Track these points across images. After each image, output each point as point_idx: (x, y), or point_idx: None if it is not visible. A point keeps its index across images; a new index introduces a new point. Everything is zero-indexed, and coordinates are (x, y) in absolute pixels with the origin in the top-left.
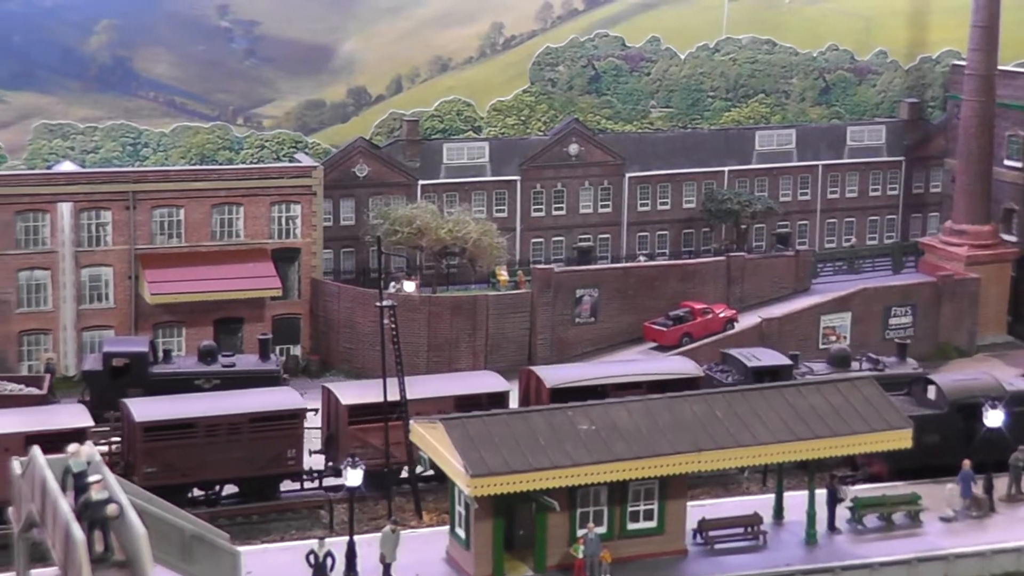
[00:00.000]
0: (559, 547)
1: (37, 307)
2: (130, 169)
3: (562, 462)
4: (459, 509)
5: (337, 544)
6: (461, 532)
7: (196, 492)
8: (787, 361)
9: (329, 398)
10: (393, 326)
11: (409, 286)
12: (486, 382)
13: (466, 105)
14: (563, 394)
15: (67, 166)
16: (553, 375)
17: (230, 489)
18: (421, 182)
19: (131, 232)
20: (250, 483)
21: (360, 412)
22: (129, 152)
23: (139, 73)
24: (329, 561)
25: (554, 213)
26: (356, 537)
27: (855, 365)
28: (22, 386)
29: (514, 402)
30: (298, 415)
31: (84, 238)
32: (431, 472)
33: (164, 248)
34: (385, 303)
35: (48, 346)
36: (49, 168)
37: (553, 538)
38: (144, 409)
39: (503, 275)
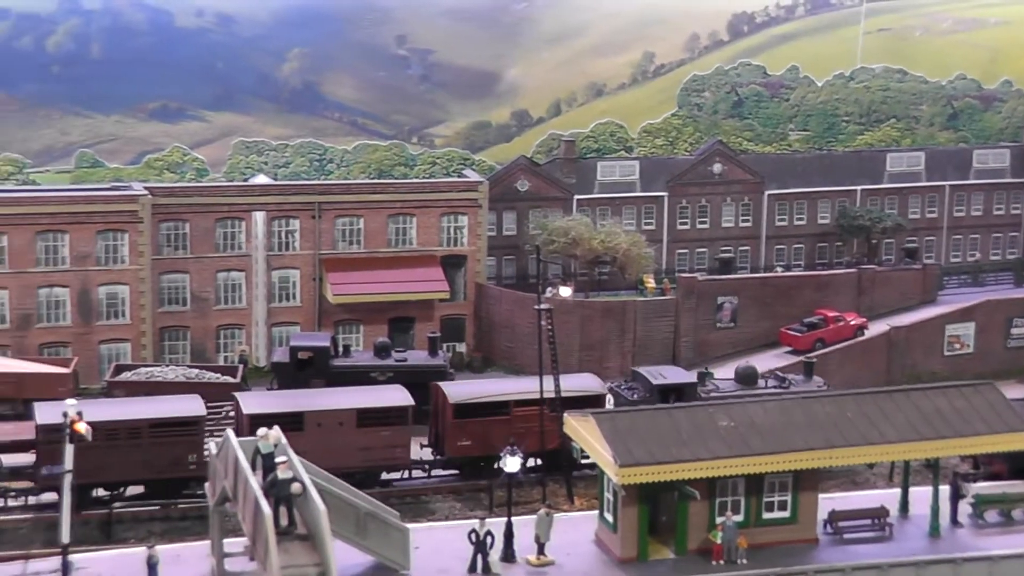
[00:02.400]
0: (699, 533)
1: (233, 304)
2: (316, 182)
3: (703, 455)
4: (607, 496)
5: (496, 524)
6: (609, 516)
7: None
8: (692, 379)
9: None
10: (549, 327)
11: (565, 291)
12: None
13: (619, 127)
14: (465, 409)
15: (261, 179)
16: (457, 391)
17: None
18: (576, 197)
19: (316, 239)
20: (153, 484)
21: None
22: (316, 167)
23: (325, 96)
24: (489, 540)
25: (698, 226)
26: (513, 519)
27: (761, 383)
28: (218, 375)
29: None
30: (197, 422)
31: (275, 243)
32: (584, 460)
33: (345, 253)
34: (543, 306)
35: (242, 339)
36: (245, 181)
37: (693, 524)
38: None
39: (650, 282)
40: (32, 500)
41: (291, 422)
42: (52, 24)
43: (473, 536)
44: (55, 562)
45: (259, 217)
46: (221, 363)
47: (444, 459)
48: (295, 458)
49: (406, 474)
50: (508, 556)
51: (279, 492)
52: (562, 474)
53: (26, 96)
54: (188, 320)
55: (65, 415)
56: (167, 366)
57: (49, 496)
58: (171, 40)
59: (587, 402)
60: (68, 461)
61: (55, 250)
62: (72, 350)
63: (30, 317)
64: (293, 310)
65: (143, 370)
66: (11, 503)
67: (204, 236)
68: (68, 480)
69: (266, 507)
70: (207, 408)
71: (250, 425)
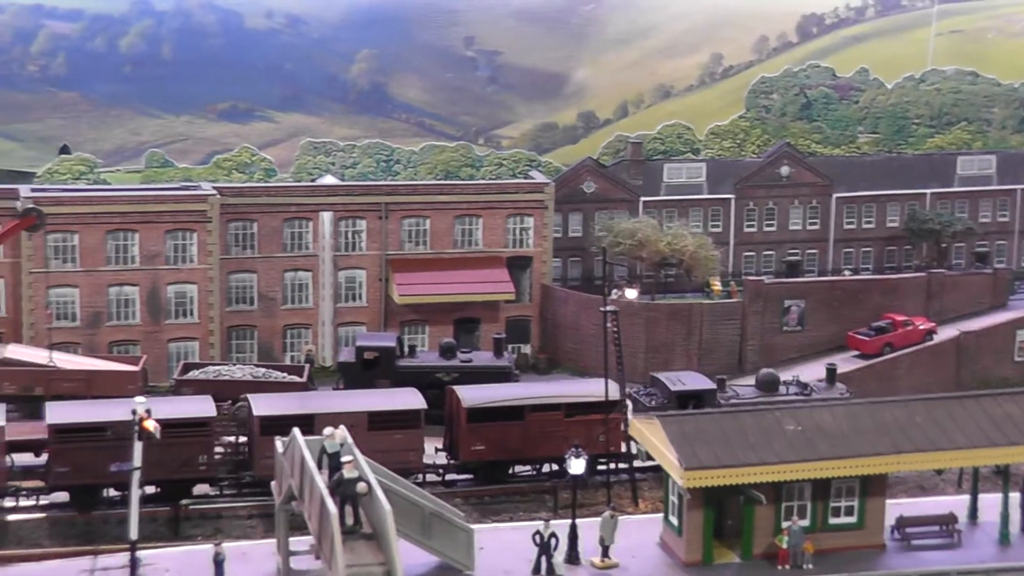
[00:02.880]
0: (765, 537)
1: (300, 304)
2: (383, 183)
3: (769, 459)
4: (672, 499)
5: (560, 526)
6: (674, 520)
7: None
8: (711, 386)
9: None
10: (615, 329)
11: (631, 293)
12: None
13: (686, 129)
14: (479, 413)
15: (329, 179)
16: (471, 395)
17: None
18: (643, 199)
19: (383, 239)
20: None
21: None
22: (383, 167)
23: (393, 97)
24: (553, 541)
25: (765, 229)
26: (578, 520)
27: (782, 389)
28: (285, 374)
29: None
30: (207, 423)
31: (342, 244)
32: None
33: (411, 254)
34: (608, 308)
35: (308, 339)
36: (313, 181)
37: (759, 528)
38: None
39: (716, 285)
40: (44, 500)
41: (302, 424)
42: (124, 25)
43: (537, 538)
44: (123, 558)
45: (326, 217)
46: (288, 363)
47: (458, 463)
48: (361, 458)
49: (420, 478)
50: (572, 558)
51: (345, 491)
52: (627, 476)
53: (98, 96)
54: (255, 319)
55: (134, 412)
56: (234, 365)
57: (60, 496)
58: (241, 41)
59: (602, 407)
60: (137, 458)
61: (125, 249)
62: (141, 348)
63: (100, 315)
64: (359, 310)
65: (211, 369)
66: (23, 503)
67: (272, 236)
68: (136, 477)
69: (332, 506)
70: None
71: (260, 427)
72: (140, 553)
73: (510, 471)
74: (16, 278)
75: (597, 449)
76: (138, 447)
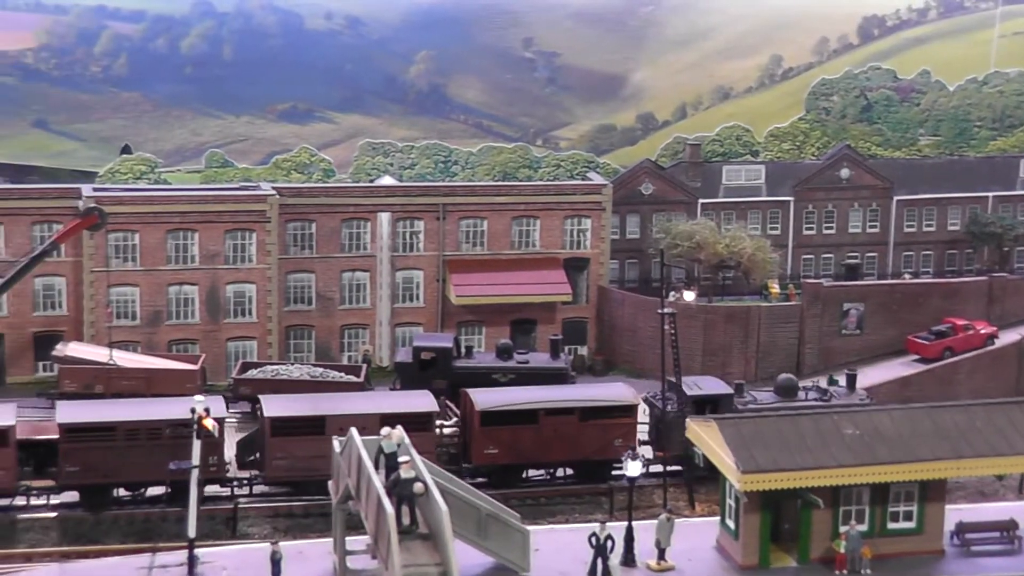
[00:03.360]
0: (822, 541)
1: (357, 304)
2: (441, 184)
3: (827, 463)
4: (729, 502)
5: (616, 528)
6: (731, 523)
7: (121, 492)
8: (728, 390)
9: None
10: (672, 332)
11: (688, 295)
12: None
13: (745, 131)
14: (492, 416)
15: (387, 180)
16: (485, 399)
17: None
18: (701, 200)
19: (440, 240)
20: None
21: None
22: (441, 168)
23: (452, 98)
24: (609, 543)
25: (824, 232)
26: (634, 523)
27: (801, 394)
28: (342, 374)
29: None
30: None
31: (399, 244)
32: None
33: (469, 255)
34: (666, 310)
35: (365, 339)
36: (371, 182)
37: (817, 532)
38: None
39: (775, 288)
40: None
41: (313, 427)
42: (185, 26)
43: (593, 540)
44: (182, 555)
45: (384, 218)
46: (345, 362)
47: (471, 467)
48: (418, 458)
49: None
50: (628, 560)
51: (402, 491)
52: (684, 479)
53: (159, 97)
54: (313, 319)
55: (193, 411)
56: (292, 364)
57: (71, 495)
58: (301, 42)
59: (618, 411)
60: (195, 456)
61: (185, 248)
62: (200, 347)
63: (160, 314)
64: (416, 311)
65: (269, 368)
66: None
67: (330, 236)
68: (195, 475)
69: (389, 506)
70: None
71: (271, 428)
72: (198, 551)
73: (523, 475)
74: (78, 277)
75: (613, 453)
76: (197, 446)
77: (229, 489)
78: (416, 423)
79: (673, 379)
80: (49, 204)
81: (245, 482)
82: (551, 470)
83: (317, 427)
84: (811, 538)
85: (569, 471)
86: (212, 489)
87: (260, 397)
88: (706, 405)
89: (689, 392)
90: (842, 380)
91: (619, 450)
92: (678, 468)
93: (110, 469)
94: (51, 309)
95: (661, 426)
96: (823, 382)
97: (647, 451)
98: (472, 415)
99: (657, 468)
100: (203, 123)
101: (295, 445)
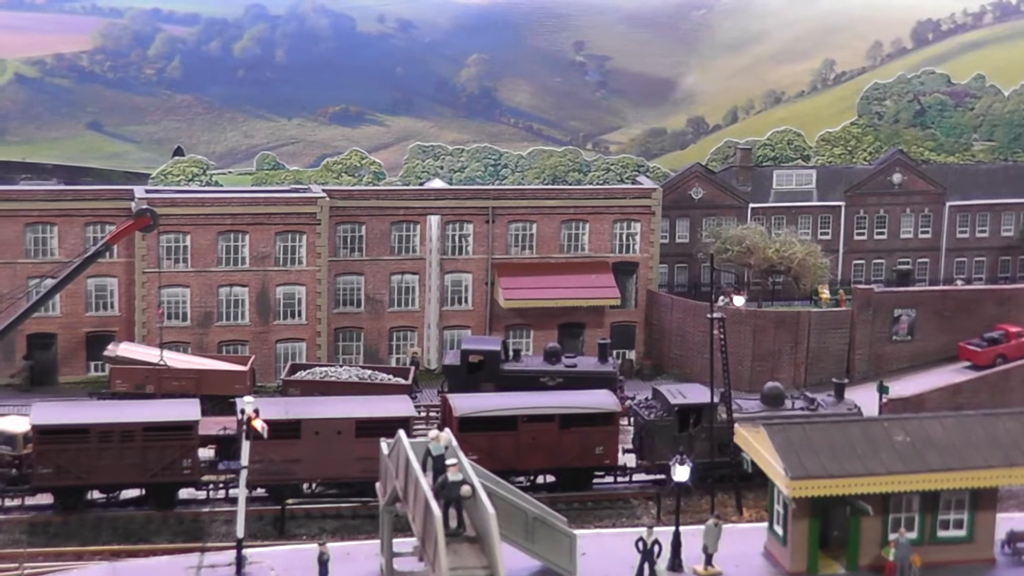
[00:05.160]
0: (871, 549)
1: (406, 307)
2: (491, 187)
3: (877, 470)
4: (778, 508)
5: (664, 533)
6: (779, 529)
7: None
8: (713, 399)
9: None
10: (722, 336)
11: (738, 300)
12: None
13: (796, 135)
14: (470, 422)
15: (437, 183)
16: (464, 404)
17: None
18: (751, 205)
19: (489, 243)
20: (150, 488)
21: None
22: (490, 172)
23: (502, 102)
24: (656, 548)
25: (876, 237)
26: (681, 528)
27: (788, 403)
28: (390, 376)
29: None
30: (191, 426)
31: (449, 247)
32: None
33: (517, 258)
34: (715, 315)
35: (414, 341)
36: (421, 185)
37: (865, 540)
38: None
39: (825, 293)
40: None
41: (288, 430)
42: (239, 29)
43: (640, 544)
44: (230, 555)
45: (434, 221)
46: (393, 364)
47: None
48: (465, 461)
49: None
50: (675, 566)
51: (449, 494)
52: (731, 484)
53: (212, 99)
54: (362, 321)
55: (242, 411)
56: (341, 366)
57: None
58: (353, 45)
59: (600, 419)
60: (244, 457)
61: (236, 250)
62: (250, 348)
63: (211, 315)
64: (465, 314)
65: (318, 370)
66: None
67: (379, 239)
68: (244, 475)
69: (436, 508)
70: None
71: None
72: (246, 551)
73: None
74: (130, 278)
75: (594, 461)
76: (246, 446)
77: (205, 492)
78: (394, 428)
79: (723, 385)
80: (102, 205)
81: (220, 485)
82: (531, 477)
83: (292, 431)
84: (860, 545)
85: (549, 479)
86: (188, 492)
87: (237, 401)
88: (690, 414)
89: (672, 400)
90: (894, 387)
91: (600, 458)
92: (660, 477)
93: (83, 471)
94: (103, 309)
95: (644, 434)
96: (874, 388)
97: (631, 459)
98: (451, 420)
99: (640, 477)
100: (255, 126)
101: (270, 449)
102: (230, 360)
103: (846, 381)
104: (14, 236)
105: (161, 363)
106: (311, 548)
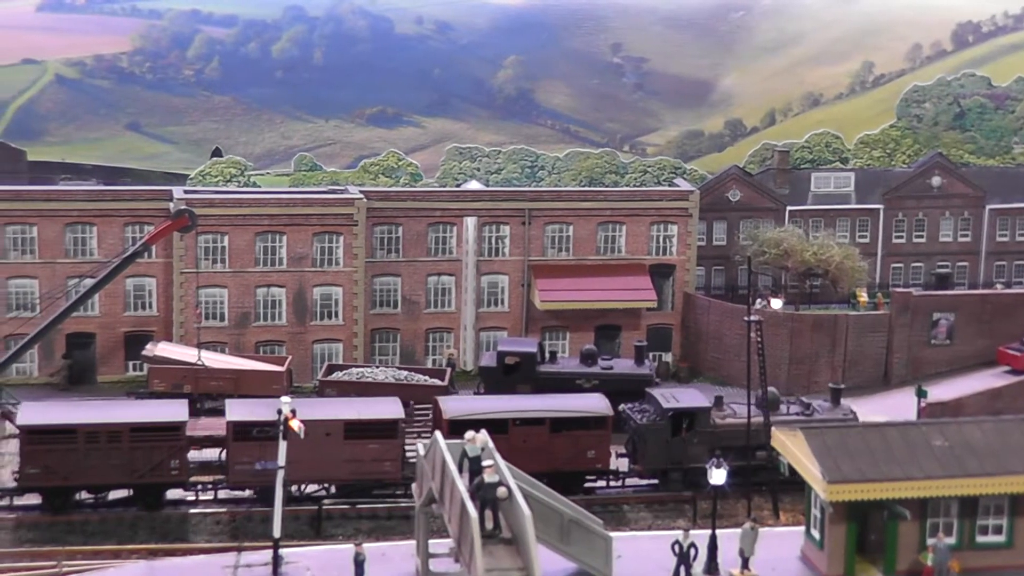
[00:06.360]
0: (909, 553)
1: (442, 308)
2: (527, 189)
3: (915, 474)
4: (815, 512)
5: (700, 536)
6: (816, 533)
7: (84, 495)
8: (706, 404)
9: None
10: (759, 339)
11: (775, 303)
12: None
13: (834, 138)
14: (461, 425)
15: (473, 185)
16: (454, 407)
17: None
18: (789, 208)
19: (525, 245)
20: (137, 489)
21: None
22: (527, 173)
23: (539, 103)
24: (692, 551)
25: (914, 240)
26: (718, 531)
27: (783, 408)
28: (426, 377)
29: None
30: (178, 427)
31: (485, 249)
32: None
33: (554, 260)
34: (752, 318)
35: (450, 343)
36: (458, 186)
37: (903, 545)
38: (28, 415)
39: (863, 296)
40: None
41: (274, 430)
42: (277, 31)
43: (676, 547)
44: (267, 555)
45: (470, 222)
46: (429, 366)
47: None
48: (501, 462)
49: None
50: (712, 569)
51: (485, 495)
52: (768, 488)
53: (250, 100)
54: (398, 322)
55: (279, 412)
56: (377, 367)
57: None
58: (390, 47)
59: (590, 422)
60: (281, 457)
61: (273, 251)
62: (287, 349)
63: (248, 315)
64: (501, 315)
65: (354, 370)
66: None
67: (416, 240)
68: (281, 476)
69: (472, 510)
70: (414, 410)
71: (233, 432)
72: (283, 551)
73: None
74: (168, 278)
75: (585, 465)
76: (283, 446)
77: (193, 493)
78: (381, 430)
79: (759, 388)
80: (141, 206)
81: (209, 487)
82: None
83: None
84: (898, 550)
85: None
86: (176, 493)
87: (225, 401)
88: (683, 418)
89: (665, 404)
90: (932, 391)
91: (591, 462)
92: (654, 481)
93: (70, 472)
94: (142, 309)
95: (637, 439)
96: (912, 392)
97: (623, 464)
98: (441, 423)
99: (634, 481)
100: (292, 127)
101: (258, 450)
102: (267, 360)
103: (842, 386)
104: (54, 236)
105: (199, 363)
106: (347, 548)
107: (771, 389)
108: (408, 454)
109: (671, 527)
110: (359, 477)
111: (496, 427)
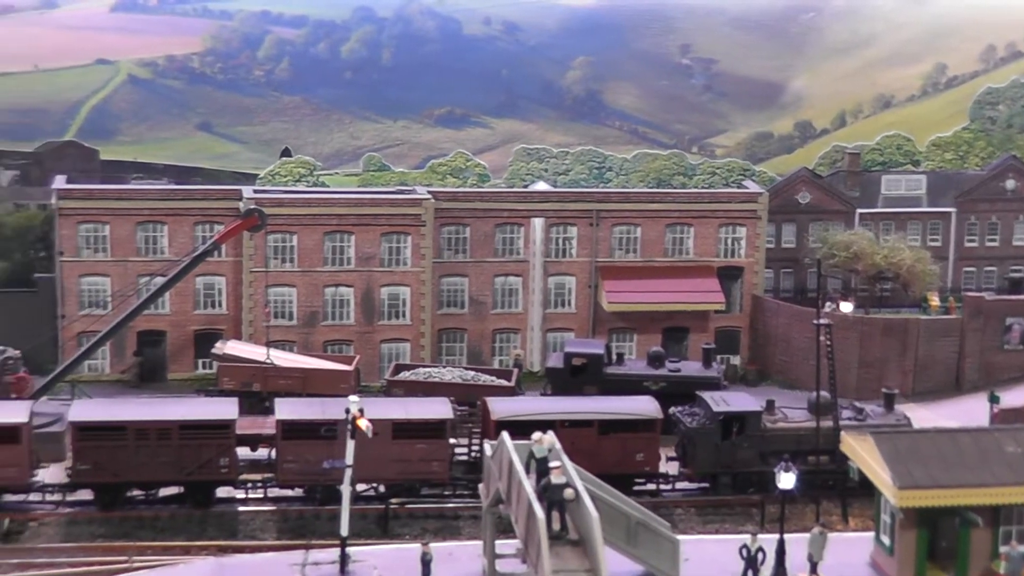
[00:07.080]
0: (981, 561)
1: (509, 309)
2: (595, 190)
3: (988, 481)
4: (884, 518)
5: (768, 541)
6: (886, 539)
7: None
8: (757, 408)
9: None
10: (828, 343)
11: (845, 306)
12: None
13: (906, 140)
14: (507, 426)
15: (541, 186)
16: (501, 407)
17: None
18: (859, 210)
19: (593, 246)
20: (187, 487)
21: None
22: (595, 175)
23: (607, 104)
24: (760, 556)
25: (987, 244)
26: (786, 536)
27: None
28: (493, 378)
29: None
30: (227, 425)
31: (552, 250)
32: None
33: (621, 262)
34: (822, 321)
35: (517, 344)
36: (526, 187)
37: (975, 552)
38: (79, 411)
39: (934, 300)
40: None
41: (324, 430)
42: (346, 31)
43: (744, 552)
44: (334, 553)
45: (538, 223)
46: (496, 366)
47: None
48: (569, 464)
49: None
50: (780, 573)
51: (552, 496)
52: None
53: (320, 100)
54: (465, 323)
55: (347, 411)
56: (444, 367)
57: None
58: (459, 48)
59: (639, 425)
60: (349, 455)
61: (341, 251)
62: (354, 348)
63: (316, 315)
64: (568, 316)
65: (421, 370)
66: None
67: (483, 241)
68: (348, 474)
69: (539, 511)
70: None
71: (283, 431)
72: (350, 549)
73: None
74: (237, 277)
75: (633, 468)
76: (351, 445)
77: (243, 491)
78: (430, 430)
79: (828, 391)
80: (211, 205)
81: (258, 485)
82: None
83: (329, 431)
84: (970, 557)
85: None
86: (226, 491)
87: (276, 400)
88: (733, 422)
89: (715, 408)
90: (1004, 396)
91: (640, 464)
92: (705, 485)
93: (120, 468)
94: (211, 308)
95: (687, 442)
96: (984, 398)
97: (673, 467)
98: (488, 423)
99: (684, 485)
100: (361, 127)
101: (307, 449)
102: (335, 360)
103: (896, 391)
104: (126, 235)
105: (268, 361)
106: (414, 548)
107: (823, 393)
108: (474, 453)
109: (736, 531)
110: (407, 477)
111: (544, 428)
